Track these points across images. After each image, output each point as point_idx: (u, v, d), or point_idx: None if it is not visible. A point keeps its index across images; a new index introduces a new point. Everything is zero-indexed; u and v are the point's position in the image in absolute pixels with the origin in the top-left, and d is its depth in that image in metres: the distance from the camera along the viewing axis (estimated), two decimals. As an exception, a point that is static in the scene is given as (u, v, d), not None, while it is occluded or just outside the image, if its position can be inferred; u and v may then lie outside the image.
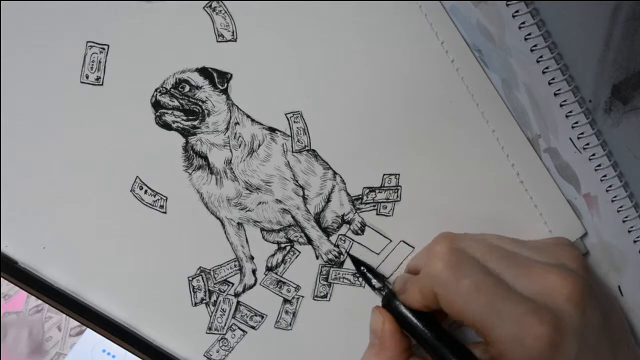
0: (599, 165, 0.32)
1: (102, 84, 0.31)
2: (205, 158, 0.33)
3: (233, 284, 0.35)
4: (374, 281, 0.34)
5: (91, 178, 0.33)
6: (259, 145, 0.33)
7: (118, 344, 0.34)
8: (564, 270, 0.27)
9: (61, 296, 0.33)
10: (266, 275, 0.35)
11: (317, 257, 0.35)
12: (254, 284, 0.35)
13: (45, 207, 0.33)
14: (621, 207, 0.33)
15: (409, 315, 0.30)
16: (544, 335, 0.25)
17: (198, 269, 0.35)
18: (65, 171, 0.33)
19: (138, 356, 0.35)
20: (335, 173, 0.34)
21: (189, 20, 0.31)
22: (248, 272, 0.35)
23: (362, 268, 0.34)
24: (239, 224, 0.34)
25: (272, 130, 0.33)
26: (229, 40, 0.31)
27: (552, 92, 0.31)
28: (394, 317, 0.31)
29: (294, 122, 0.33)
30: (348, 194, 0.34)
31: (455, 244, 0.29)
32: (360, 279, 0.35)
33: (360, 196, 0.34)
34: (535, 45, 0.30)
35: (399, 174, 0.34)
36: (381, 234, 0.35)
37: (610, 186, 0.32)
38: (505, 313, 0.25)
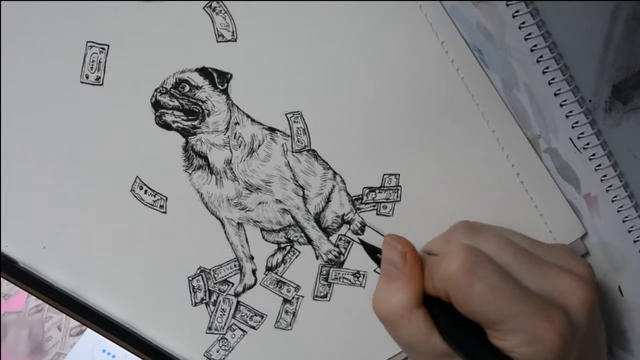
0: (599, 166, 0.32)
1: (102, 84, 0.31)
2: (205, 158, 0.33)
3: (233, 283, 0.35)
4: None
5: (91, 178, 0.33)
6: (259, 145, 0.33)
7: (118, 344, 0.34)
8: (577, 275, 0.27)
9: (61, 296, 0.33)
10: (266, 275, 0.35)
11: (317, 257, 0.35)
12: (254, 284, 0.35)
13: (45, 207, 0.33)
14: (621, 207, 0.33)
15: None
16: (557, 331, 0.25)
17: (198, 269, 0.35)
18: (65, 171, 0.33)
19: (138, 356, 0.35)
20: (335, 173, 0.34)
21: (189, 20, 0.31)
22: (248, 272, 0.35)
23: (378, 255, 0.33)
24: (239, 224, 0.34)
25: (272, 130, 0.33)
26: (229, 40, 0.31)
27: (552, 92, 0.31)
28: None
29: (294, 122, 0.33)
30: (348, 194, 0.34)
31: (471, 237, 0.29)
32: (358, 275, 0.35)
33: (360, 196, 0.34)
34: (535, 45, 0.30)
35: (399, 174, 0.34)
36: (381, 234, 0.35)
37: (610, 186, 0.32)
38: (518, 311, 0.25)
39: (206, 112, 0.33)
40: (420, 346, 0.28)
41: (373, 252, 0.32)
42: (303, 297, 0.35)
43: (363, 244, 0.33)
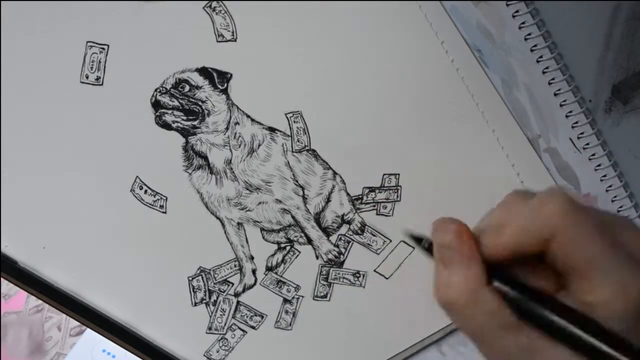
0: (599, 165, 0.32)
1: (102, 84, 0.31)
2: (205, 158, 0.33)
3: (233, 283, 0.35)
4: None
5: (91, 178, 0.33)
6: (259, 145, 0.33)
7: (118, 344, 0.34)
8: None
9: (61, 296, 0.33)
10: (266, 275, 0.35)
11: (317, 257, 0.35)
12: (254, 284, 0.35)
13: (45, 207, 0.33)
14: (621, 207, 0.33)
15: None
16: None
17: (198, 269, 0.35)
18: (65, 171, 0.33)
19: (138, 356, 0.35)
20: (335, 173, 0.34)
21: (189, 20, 0.31)
22: (248, 272, 0.35)
23: (423, 243, 0.31)
24: (239, 223, 0.34)
25: (272, 130, 0.33)
26: (229, 40, 0.31)
27: (552, 92, 0.31)
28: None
29: (294, 122, 0.33)
30: (348, 194, 0.34)
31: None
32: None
33: (360, 196, 0.34)
34: (535, 45, 0.30)
35: (399, 174, 0.34)
36: (381, 234, 0.35)
37: (610, 186, 0.32)
38: (617, 258, 0.24)
39: (206, 112, 0.33)
40: (491, 326, 0.26)
41: (419, 241, 0.30)
42: (303, 297, 0.35)
43: (409, 235, 0.30)
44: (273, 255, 0.35)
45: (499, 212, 0.29)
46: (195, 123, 0.33)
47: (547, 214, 0.26)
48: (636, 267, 0.25)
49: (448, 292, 0.27)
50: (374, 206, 0.34)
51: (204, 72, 0.32)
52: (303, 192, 0.34)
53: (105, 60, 0.31)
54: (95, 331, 0.34)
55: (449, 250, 0.28)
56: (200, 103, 0.32)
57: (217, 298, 0.35)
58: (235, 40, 0.31)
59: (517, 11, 0.29)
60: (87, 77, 0.31)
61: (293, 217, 0.34)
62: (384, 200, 0.34)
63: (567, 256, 0.25)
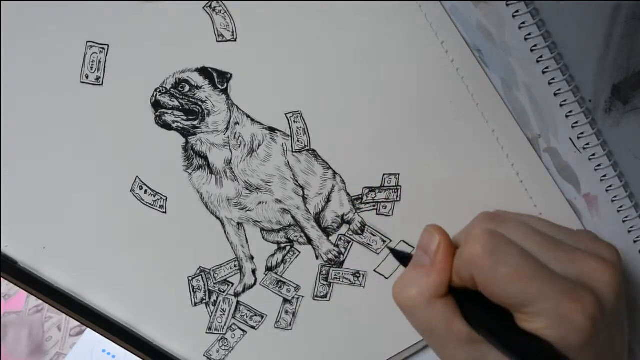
0: (599, 165, 0.32)
1: (102, 84, 0.31)
2: (205, 158, 0.33)
3: (233, 284, 0.35)
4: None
5: (91, 178, 0.33)
6: (259, 145, 0.33)
7: (118, 344, 0.34)
8: (603, 259, 0.27)
9: (61, 296, 0.33)
10: (266, 275, 0.35)
11: (317, 257, 0.35)
12: (254, 284, 0.35)
13: (45, 207, 0.33)
14: (621, 207, 0.33)
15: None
16: (587, 313, 0.25)
17: (198, 269, 0.35)
18: (65, 171, 0.33)
19: (138, 356, 0.35)
20: (335, 173, 0.34)
21: (189, 20, 0.31)
22: (248, 272, 0.35)
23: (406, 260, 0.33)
24: (239, 223, 0.34)
25: (272, 130, 0.33)
26: (229, 40, 0.31)
27: (552, 92, 0.31)
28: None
29: (294, 122, 0.33)
30: (348, 194, 0.34)
31: (494, 225, 0.28)
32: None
33: (360, 196, 0.34)
34: (535, 45, 0.30)
35: (399, 174, 0.34)
36: (381, 234, 0.35)
37: (610, 186, 0.32)
38: (545, 292, 0.25)
39: (206, 112, 0.33)
40: (441, 333, 0.28)
41: (403, 259, 0.32)
42: (303, 297, 0.35)
43: (392, 251, 0.33)
44: (273, 255, 0.35)
45: (456, 240, 0.30)
46: (195, 123, 0.33)
47: (466, 259, 0.27)
48: (571, 291, 0.25)
49: (403, 293, 0.29)
50: (374, 206, 0.34)
51: (204, 72, 0.32)
52: (303, 192, 0.34)
53: (105, 60, 0.31)
54: (95, 331, 0.34)
55: (424, 255, 0.29)
56: (200, 103, 0.32)
57: (217, 298, 0.35)
58: (235, 40, 0.31)
59: (517, 11, 0.29)
60: (87, 77, 0.31)
61: (293, 217, 0.34)
62: (384, 200, 0.34)
63: (491, 296, 0.26)
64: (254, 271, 0.35)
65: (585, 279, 0.26)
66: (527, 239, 0.28)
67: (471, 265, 0.27)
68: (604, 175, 0.32)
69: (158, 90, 0.32)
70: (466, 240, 0.27)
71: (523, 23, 0.30)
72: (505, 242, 0.27)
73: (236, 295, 0.35)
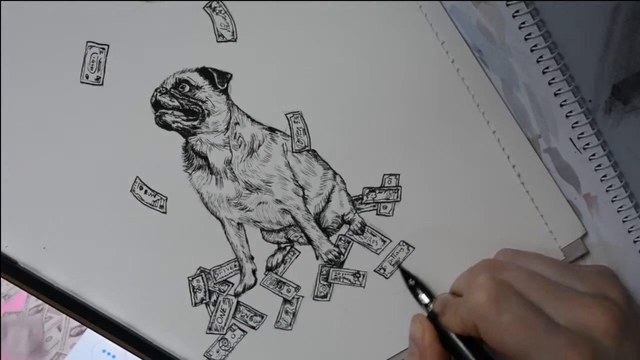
0: (599, 166, 0.32)
1: (102, 84, 0.31)
2: (205, 158, 0.33)
3: (233, 284, 0.35)
4: (421, 296, 0.34)
5: (91, 178, 0.33)
6: (259, 145, 0.33)
7: (118, 344, 0.34)
8: (605, 303, 0.27)
9: (61, 296, 0.33)
10: (266, 275, 0.35)
11: (317, 257, 0.35)
12: (254, 284, 0.35)
13: (45, 207, 0.33)
14: (621, 207, 0.33)
15: (450, 333, 0.30)
16: None
17: (198, 269, 0.35)
18: (65, 171, 0.33)
19: (138, 356, 0.35)
20: (335, 173, 0.34)
21: (189, 20, 0.31)
22: (248, 272, 0.35)
23: (410, 281, 0.34)
24: (239, 224, 0.34)
25: (272, 130, 0.33)
26: (229, 40, 0.31)
27: (552, 92, 0.31)
28: (436, 330, 0.31)
29: (294, 122, 0.33)
30: (348, 194, 0.34)
31: (497, 274, 0.29)
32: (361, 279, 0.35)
33: (360, 196, 0.34)
34: (535, 45, 0.30)
35: (399, 174, 0.34)
36: (381, 234, 0.35)
37: (610, 186, 0.32)
38: (544, 345, 0.26)
39: (206, 112, 0.33)
40: None
41: (408, 279, 0.34)
42: (303, 297, 0.35)
43: (401, 270, 0.35)
44: (273, 255, 0.35)
45: (458, 285, 0.32)
46: (195, 123, 0.33)
47: (470, 307, 0.28)
48: (571, 343, 0.26)
49: None
50: (374, 206, 0.34)
51: (204, 72, 0.32)
52: (303, 192, 0.34)
53: (105, 60, 0.31)
54: (95, 331, 0.34)
55: (413, 344, 0.32)
56: (200, 103, 0.32)
57: (217, 298, 0.35)
58: (235, 40, 0.31)
59: (517, 11, 0.29)
60: (87, 77, 0.31)
61: (293, 217, 0.34)
62: (384, 201, 0.34)
63: (493, 344, 0.27)
64: (254, 271, 0.35)
65: (584, 328, 0.26)
66: (530, 285, 0.28)
67: (475, 313, 0.27)
68: (604, 176, 0.32)
69: (158, 90, 0.32)
70: (471, 288, 0.28)
71: (523, 23, 0.29)
72: (509, 291, 0.27)
73: (236, 295, 0.35)
